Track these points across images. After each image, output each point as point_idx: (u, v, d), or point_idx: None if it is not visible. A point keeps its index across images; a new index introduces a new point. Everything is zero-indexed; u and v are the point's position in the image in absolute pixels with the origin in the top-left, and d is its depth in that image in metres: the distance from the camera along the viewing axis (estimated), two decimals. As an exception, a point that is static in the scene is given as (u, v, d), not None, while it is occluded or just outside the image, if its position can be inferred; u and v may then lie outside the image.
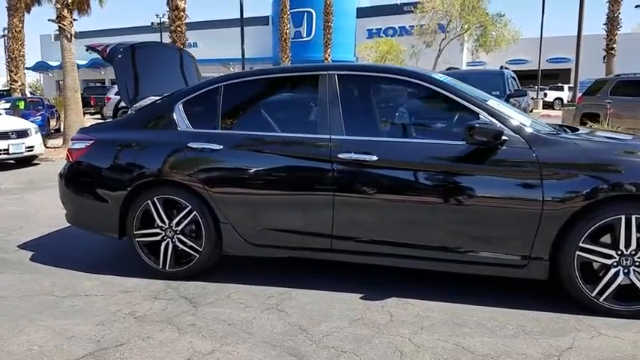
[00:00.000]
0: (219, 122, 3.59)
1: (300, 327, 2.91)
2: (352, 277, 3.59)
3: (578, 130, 3.51)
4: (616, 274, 2.91)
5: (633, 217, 2.82)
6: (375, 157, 3.16)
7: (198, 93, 3.67)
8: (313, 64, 4.00)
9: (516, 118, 3.19)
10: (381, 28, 38.00)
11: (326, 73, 3.41)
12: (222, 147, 3.46)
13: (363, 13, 39.37)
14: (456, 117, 3.32)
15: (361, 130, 3.33)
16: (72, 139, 3.94)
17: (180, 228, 3.57)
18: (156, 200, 3.57)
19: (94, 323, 2.99)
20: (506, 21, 30.92)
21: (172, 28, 14.39)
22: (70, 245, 4.54)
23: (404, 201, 3.17)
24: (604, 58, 19.88)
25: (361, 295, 3.30)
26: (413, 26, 36.39)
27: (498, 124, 3.03)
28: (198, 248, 3.55)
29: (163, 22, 38.98)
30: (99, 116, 22.96)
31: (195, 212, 3.51)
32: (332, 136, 3.28)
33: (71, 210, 3.99)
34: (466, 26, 29.32)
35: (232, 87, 3.66)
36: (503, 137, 2.98)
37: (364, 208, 3.23)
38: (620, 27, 19.34)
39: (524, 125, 3.12)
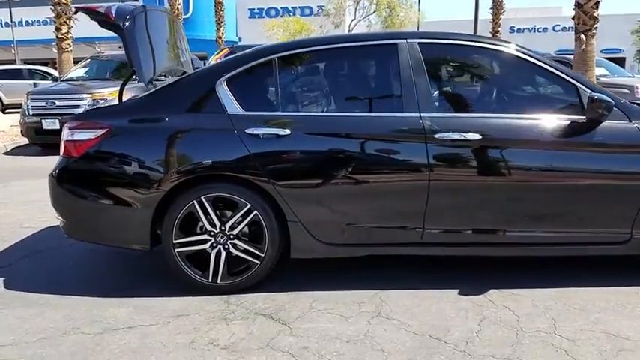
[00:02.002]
0: (279, 103, 2.98)
1: (430, 336, 2.52)
2: (425, 271, 3.27)
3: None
4: None
5: None
6: (477, 136, 2.84)
7: (245, 67, 3.01)
8: (389, 32, 3.51)
9: (603, 90, 3.08)
10: (263, 9, 37.14)
11: (405, 41, 2.99)
12: (289, 132, 2.88)
13: (241, -8, 38.07)
14: (553, 91, 3.13)
15: (454, 106, 2.99)
16: (69, 128, 3.02)
17: (235, 232, 2.94)
18: (204, 200, 2.89)
19: (179, 364, 2.32)
20: (412, 3, 32.15)
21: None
22: (47, 264, 3.57)
23: (511, 183, 2.91)
24: (491, 41, 21.42)
25: (457, 291, 3.00)
26: (295, 7, 36.18)
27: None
28: (258, 254, 2.96)
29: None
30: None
31: (255, 211, 2.90)
32: (422, 114, 2.89)
33: (73, 219, 3.10)
34: (373, 7, 29.83)
35: (290, 59, 3.07)
36: None
37: (465, 193, 2.92)
38: (504, 11, 20.99)
39: (617, 97, 3.02)
